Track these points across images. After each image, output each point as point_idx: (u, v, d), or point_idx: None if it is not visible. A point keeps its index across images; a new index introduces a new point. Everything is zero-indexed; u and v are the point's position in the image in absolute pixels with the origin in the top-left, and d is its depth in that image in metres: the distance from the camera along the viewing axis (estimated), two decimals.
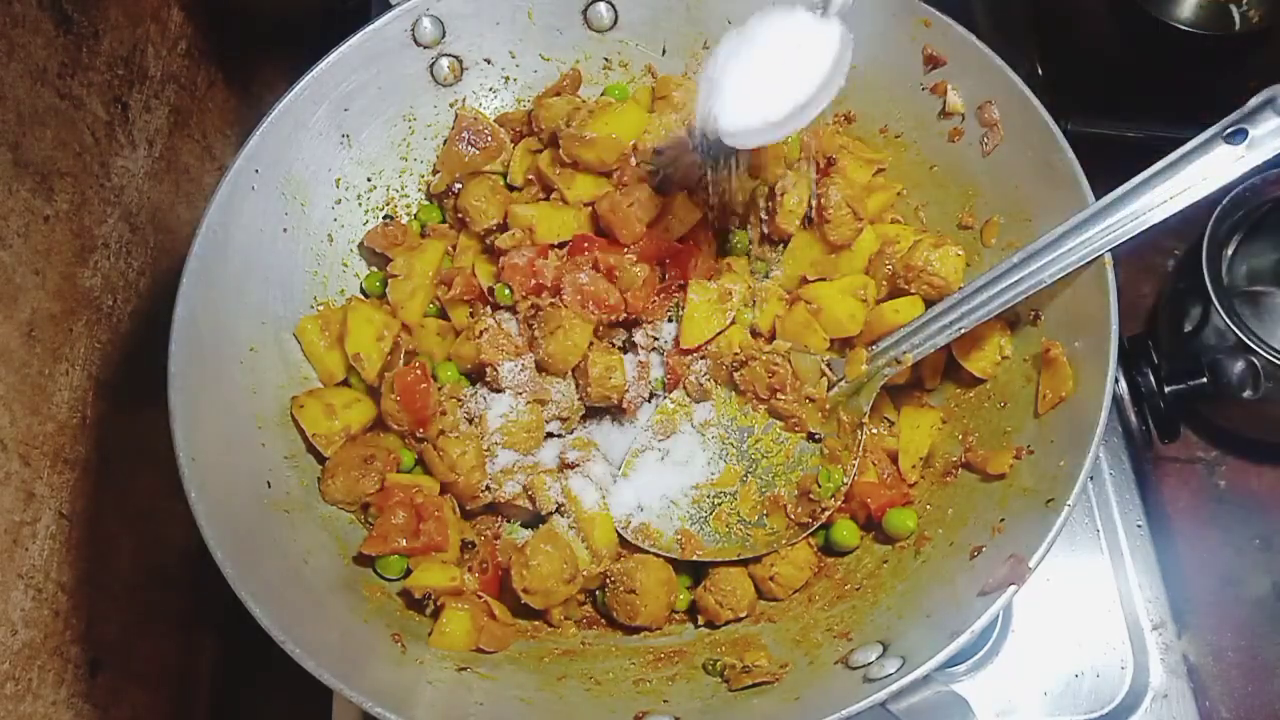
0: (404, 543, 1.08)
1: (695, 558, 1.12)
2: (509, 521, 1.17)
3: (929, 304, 1.12)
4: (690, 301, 1.16)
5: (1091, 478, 1.21)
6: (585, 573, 1.10)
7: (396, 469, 1.14)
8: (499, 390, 1.15)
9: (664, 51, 1.31)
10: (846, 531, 1.12)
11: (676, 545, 1.12)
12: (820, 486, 1.09)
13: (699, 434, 1.16)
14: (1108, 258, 1.01)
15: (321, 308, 1.21)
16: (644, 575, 1.09)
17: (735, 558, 1.12)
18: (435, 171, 1.30)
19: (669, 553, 1.12)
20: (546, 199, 1.25)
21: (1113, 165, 1.06)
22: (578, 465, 1.15)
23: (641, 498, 1.14)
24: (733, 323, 1.17)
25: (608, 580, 1.11)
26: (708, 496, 1.14)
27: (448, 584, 1.08)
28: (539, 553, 1.06)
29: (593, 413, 1.21)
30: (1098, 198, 1.03)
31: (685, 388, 1.17)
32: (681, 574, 1.14)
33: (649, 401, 1.20)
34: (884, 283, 1.17)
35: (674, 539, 1.12)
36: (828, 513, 1.10)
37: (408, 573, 1.11)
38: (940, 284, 1.11)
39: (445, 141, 1.30)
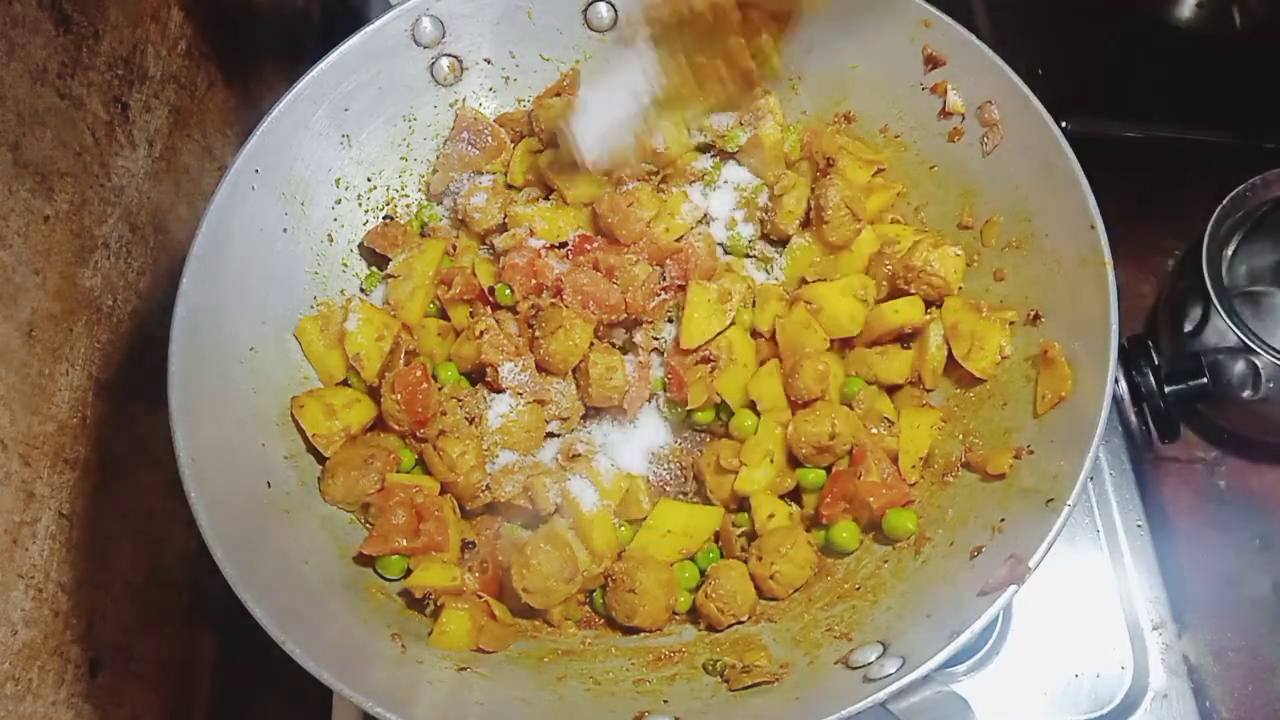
0: (404, 543, 1.08)
1: None
2: (509, 521, 1.17)
3: (929, 304, 1.12)
4: (690, 301, 1.16)
5: (1091, 478, 1.21)
6: (585, 572, 1.10)
7: (396, 469, 1.14)
8: (499, 390, 1.15)
9: None
10: (846, 533, 1.12)
11: None
12: None
13: None
14: (1108, 257, 1.01)
15: (321, 308, 1.21)
16: (644, 575, 1.09)
17: None
18: (435, 171, 1.30)
19: None
20: (546, 199, 1.25)
21: (1113, 165, 1.06)
22: (578, 464, 1.14)
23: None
24: (733, 323, 1.17)
25: (608, 580, 1.11)
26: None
27: (448, 584, 1.07)
28: (539, 552, 1.06)
29: (593, 413, 1.21)
30: (1097, 198, 1.03)
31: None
32: (683, 575, 1.14)
33: (649, 402, 1.20)
34: (884, 283, 1.17)
35: None
36: None
37: (408, 573, 1.11)
38: (940, 284, 1.11)
39: (445, 141, 1.30)
